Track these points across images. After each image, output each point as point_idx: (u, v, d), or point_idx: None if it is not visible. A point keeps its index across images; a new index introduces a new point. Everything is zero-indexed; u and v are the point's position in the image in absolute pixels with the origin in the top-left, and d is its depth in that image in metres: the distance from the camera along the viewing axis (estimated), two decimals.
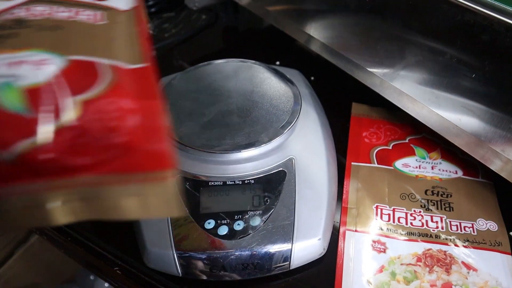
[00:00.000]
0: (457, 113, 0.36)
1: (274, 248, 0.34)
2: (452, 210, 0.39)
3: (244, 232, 0.34)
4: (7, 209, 0.21)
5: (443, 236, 0.37)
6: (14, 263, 0.77)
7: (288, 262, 0.34)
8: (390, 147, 0.44)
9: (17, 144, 0.19)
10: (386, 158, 0.43)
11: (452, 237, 0.37)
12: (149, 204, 0.22)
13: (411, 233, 0.37)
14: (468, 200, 0.40)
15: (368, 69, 0.41)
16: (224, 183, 0.36)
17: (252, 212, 0.35)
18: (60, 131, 0.20)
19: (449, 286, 0.34)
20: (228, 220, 0.35)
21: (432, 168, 0.42)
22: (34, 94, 0.20)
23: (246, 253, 0.33)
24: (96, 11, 0.28)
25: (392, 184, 0.41)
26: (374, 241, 0.37)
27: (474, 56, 0.33)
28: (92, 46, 0.25)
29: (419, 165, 0.43)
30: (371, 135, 0.46)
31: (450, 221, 0.38)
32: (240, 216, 0.35)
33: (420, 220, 0.38)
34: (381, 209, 0.39)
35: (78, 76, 0.22)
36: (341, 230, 0.38)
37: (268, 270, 0.34)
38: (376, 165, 0.43)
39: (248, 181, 0.36)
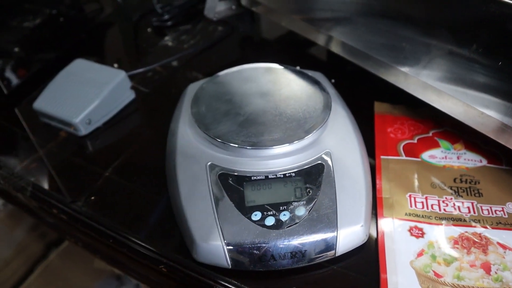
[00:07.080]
0: (482, 102, 0.38)
1: (320, 235, 0.35)
2: (482, 195, 0.41)
3: (291, 221, 0.35)
4: None
5: (476, 220, 0.39)
6: (34, 280, 0.76)
7: (334, 250, 0.35)
8: (415, 141, 0.46)
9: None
10: (413, 151, 0.45)
11: (485, 220, 0.39)
12: None
13: (445, 218, 0.39)
14: (495, 186, 0.41)
15: (393, 65, 0.43)
16: (266, 177, 0.38)
17: (296, 203, 0.36)
18: None
19: (488, 265, 0.35)
20: (274, 212, 0.36)
21: (458, 158, 0.44)
22: None
23: (295, 241, 0.35)
24: None
25: (421, 174, 0.43)
26: (411, 227, 0.38)
27: (498, 45, 0.35)
28: None
29: (445, 156, 0.44)
30: (396, 131, 0.48)
31: (481, 206, 0.40)
32: (285, 207, 0.36)
33: (452, 206, 0.40)
34: (414, 198, 0.41)
35: None
36: (379, 218, 0.39)
37: (315, 257, 0.35)
38: (404, 157, 0.45)
39: (290, 174, 0.38)
